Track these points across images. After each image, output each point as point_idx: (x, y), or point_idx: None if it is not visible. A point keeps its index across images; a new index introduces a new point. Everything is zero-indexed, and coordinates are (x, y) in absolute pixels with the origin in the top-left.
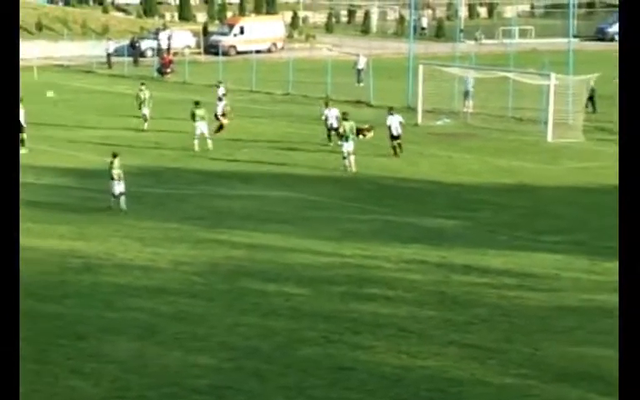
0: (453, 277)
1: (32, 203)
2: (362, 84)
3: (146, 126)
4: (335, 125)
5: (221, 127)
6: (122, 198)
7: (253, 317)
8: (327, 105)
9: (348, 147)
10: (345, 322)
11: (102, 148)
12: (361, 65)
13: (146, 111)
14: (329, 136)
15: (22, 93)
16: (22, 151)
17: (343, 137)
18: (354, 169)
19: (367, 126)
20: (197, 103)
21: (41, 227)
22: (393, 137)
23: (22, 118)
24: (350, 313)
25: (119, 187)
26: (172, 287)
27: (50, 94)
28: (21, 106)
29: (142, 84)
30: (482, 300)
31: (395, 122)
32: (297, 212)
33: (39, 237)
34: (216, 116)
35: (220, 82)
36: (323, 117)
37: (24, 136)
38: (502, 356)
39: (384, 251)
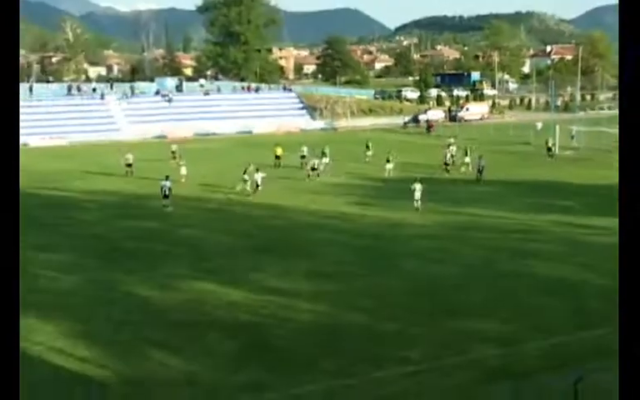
0: (575, 230)
1: (361, 194)
2: (531, 133)
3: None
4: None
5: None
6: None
7: (473, 249)
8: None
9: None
10: (517, 252)
11: (396, 167)
12: (539, 126)
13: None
14: None
15: (352, 145)
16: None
17: None
18: None
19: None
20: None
21: (368, 206)
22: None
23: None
24: (519, 246)
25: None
26: (433, 234)
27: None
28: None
29: (369, 140)
30: (587, 241)
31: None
32: (494, 199)
33: (370, 211)
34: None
35: (453, 137)
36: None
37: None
38: (598, 269)
39: (537, 217)
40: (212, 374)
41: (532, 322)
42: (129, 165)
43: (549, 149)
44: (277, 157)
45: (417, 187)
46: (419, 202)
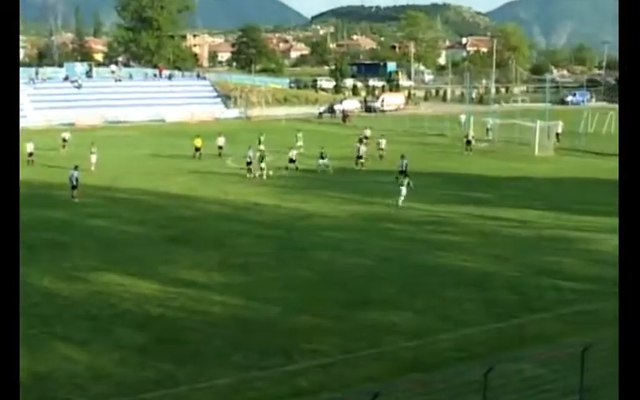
0: (488, 222)
1: (273, 184)
2: (447, 125)
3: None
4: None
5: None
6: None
7: (385, 240)
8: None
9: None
10: (431, 244)
11: (306, 155)
12: (463, 118)
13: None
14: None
15: (269, 134)
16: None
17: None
18: None
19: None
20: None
21: (282, 196)
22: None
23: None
24: (433, 238)
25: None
26: (345, 225)
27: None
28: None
29: (299, 131)
30: (500, 232)
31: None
32: (409, 190)
33: (285, 202)
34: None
35: (369, 128)
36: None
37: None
38: (510, 261)
39: (451, 209)
40: (119, 369)
41: (445, 314)
42: (30, 154)
43: (468, 142)
44: (197, 149)
45: (405, 182)
46: (402, 198)
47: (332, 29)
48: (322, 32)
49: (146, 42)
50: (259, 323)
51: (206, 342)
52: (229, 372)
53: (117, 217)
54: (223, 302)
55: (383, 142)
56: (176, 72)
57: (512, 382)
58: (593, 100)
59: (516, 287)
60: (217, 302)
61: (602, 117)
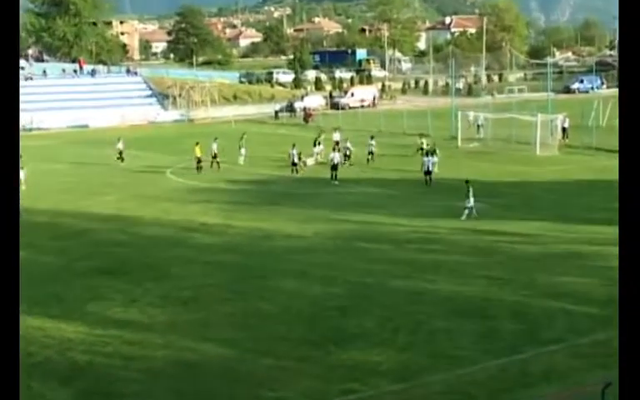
0: (483, 238)
1: (224, 201)
2: (429, 123)
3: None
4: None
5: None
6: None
7: (362, 263)
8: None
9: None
10: (417, 265)
11: (265, 164)
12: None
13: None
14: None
15: (221, 138)
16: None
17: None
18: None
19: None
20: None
21: (234, 214)
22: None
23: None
24: (420, 260)
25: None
26: (314, 246)
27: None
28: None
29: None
30: (499, 249)
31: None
32: (385, 201)
33: (237, 221)
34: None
35: (337, 130)
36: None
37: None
38: (512, 283)
39: (438, 223)
40: None
41: (435, 351)
42: None
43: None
44: (199, 161)
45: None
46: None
47: (288, 11)
48: (276, 14)
49: (62, 31)
50: (212, 370)
51: (146, 395)
52: None
53: (35, 247)
54: (167, 344)
55: (374, 143)
56: (100, 67)
57: None
58: (604, 86)
59: (524, 314)
60: (160, 345)
61: (615, 106)
